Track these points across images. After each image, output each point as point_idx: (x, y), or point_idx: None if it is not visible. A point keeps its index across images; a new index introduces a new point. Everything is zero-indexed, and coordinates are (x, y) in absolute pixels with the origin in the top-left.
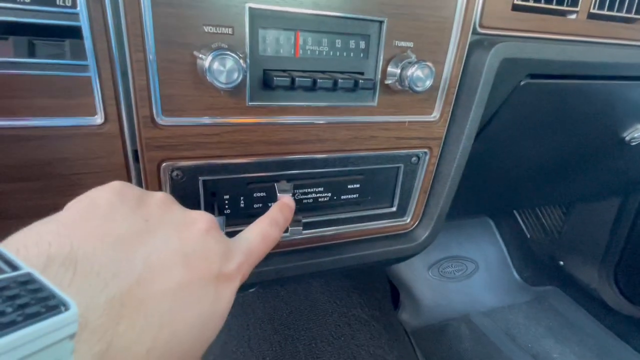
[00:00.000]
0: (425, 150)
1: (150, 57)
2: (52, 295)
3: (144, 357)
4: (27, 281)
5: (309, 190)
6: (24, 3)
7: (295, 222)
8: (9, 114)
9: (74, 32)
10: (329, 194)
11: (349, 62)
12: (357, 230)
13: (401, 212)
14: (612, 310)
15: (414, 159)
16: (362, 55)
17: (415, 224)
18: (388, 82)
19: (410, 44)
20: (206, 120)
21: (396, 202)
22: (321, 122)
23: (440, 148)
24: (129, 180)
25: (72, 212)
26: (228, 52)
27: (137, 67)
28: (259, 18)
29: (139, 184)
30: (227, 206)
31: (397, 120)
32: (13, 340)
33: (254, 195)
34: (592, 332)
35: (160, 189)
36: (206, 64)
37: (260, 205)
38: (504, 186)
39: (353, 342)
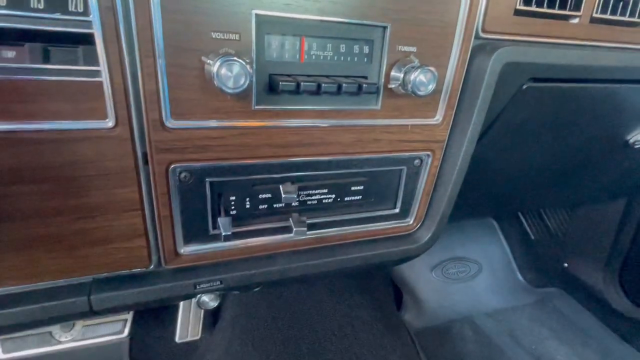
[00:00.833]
0: (428, 153)
1: (160, 62)
2: None
3: None
4: None
5: (313, 192)
6: (39, 11)
7: (299, 223)
8: (24, 118)
9: (87, 39)
10: (333, 196)
11: (353, 67)
12: (360, 232)
13: (404, 213)
14: (617, 312)
15: (416, 161)
16: (366, 59)
17: (418, 226)
18: (391, 86)
19: (414, 49)
20: (213, 123)
21: (399, 204)
22: (325, 125)
23: (443, 151)
24: (138, 182)
25: None
26: (235, 58)
27: (147, 72)
28: (265, 24)
29: (148, 186)
30: (233, 207)
31: (400, 123)
32: None
33: (259, 196)
34: (596, 335)
35: (168, 190)
36: (214, 69)
37: (266, 206)
38: (507, 188)
39: (356, 342)
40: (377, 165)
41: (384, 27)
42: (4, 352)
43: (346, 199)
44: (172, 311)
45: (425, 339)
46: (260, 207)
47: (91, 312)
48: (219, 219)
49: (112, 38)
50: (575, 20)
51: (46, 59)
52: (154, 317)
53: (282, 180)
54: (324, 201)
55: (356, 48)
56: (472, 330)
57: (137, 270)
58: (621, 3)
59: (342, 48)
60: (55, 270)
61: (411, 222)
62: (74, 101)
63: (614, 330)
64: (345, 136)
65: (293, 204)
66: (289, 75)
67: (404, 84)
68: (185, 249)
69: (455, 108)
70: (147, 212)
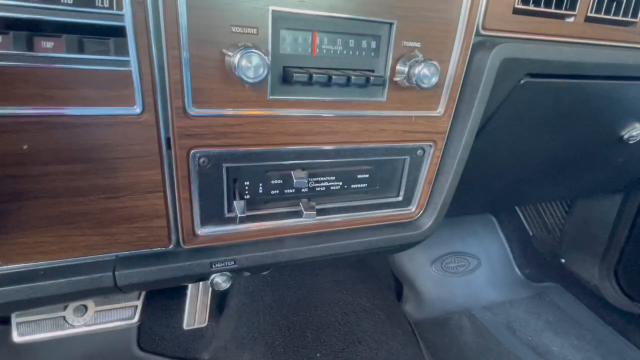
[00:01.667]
0: (430, 143)
1: (184, 54)
2: None
3: None
4: None
5: (322, 179)
6: (75, 5)
7: (309, 208)
8: (59, 104)
9: (119, 32)
10: (340, 183)
11: (361, 61)
12: (365, 218)
13: (407, 201)
14: (612, 306)
15: (419, 151)
16: (373, 54)
17: (420, 213)
18: (397, 79)
19: (418, 44)
20: (231, 111)
21: (402, 192)
22: (334, 115)
23: (445, 142)
24: (161, 165)
25: None
26: (254, 50)
27: (172, 63)
28: (280, 20)
29: (170, 170)
30: (247, 192)
31: (404, 114)
32: None
33: (272, 182)
34: (591, 327)
35: (189, 174)
36: (235, 60)
37: (277, 191)
38: (505, 182)
39: (358, 329)
40: (382, 154)
41: (391, 24)
42: (19, 335)
43: (352, 186)
44: (179, 299)
45: (424, 330)
46: (272, 192)
47: (116, 288)
48: (234, 201)
49: (142, 31)
50: (571, 19)
51: (81, 49)
52: (162, 305)
53: (294, 167)
54: (331, 188)
55: (364, 43)
56: (470, 322)
57: (158, 249)
58: (614, 3)
59: (351, 43)
60: (83, 246)
61: (413, 209)
62: (105, 89)
63: (608, 323)
64: (353, 126)
65: (303, 190)
66: (301, 68)
67: (408, 77)
68: (202, 230)
69: (456, 101)
70: (168, 194)
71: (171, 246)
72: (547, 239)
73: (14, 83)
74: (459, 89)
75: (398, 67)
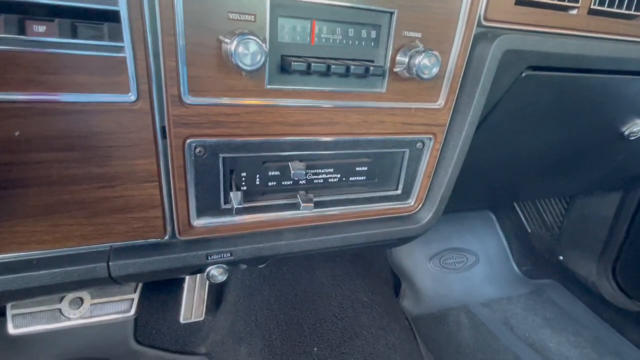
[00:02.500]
0: (430, 136)
1: (180, 40)
2: None
3: None
4: None
5: (320, 170)
6: None
7: (307, 200)
8: (52, 89)
9: (113, 16)
10: (338, 175)
11: (361, 50)
12: (363, 211)
13: (405, 194)
14: (609, 303)
15: (419, 144)
16: (373, 44)
17: (419, 207)
18: (397, 69)
19: (419, 34)
20: (228, 100)
21: (401, 185)
22: (333, 105)
23: (444, 134)
24: (157, 154)
25: None
26: (251, 37)
27: (167, 50)
28: (278, 7)
29: (165, 159)
30: (244, 183)
31: (404, 106)
32: None
33: (269, 173)
34: (588, 324)
35: (184, 164)
36: (232, 47)
37: (274, 183)
38: (504, 178)
39: (356, 323)
40: (381, 146)
41: (391, 13)
42: (15, 327)
43: (351, 178)
44: (176, 293)
45: (421, 325)
46: (269, 183)
47: (110, 279)
48: (231, 192)
49: (137, 16)
50: (574, 11)
51: (74, 34)
52: (158, 299)
53: (291, 158)
54: (329, 180)
55: (364, 32)
56: (468, 317)
57: (153, 240)
58: None
59: (351, 32)
60: (78, 236)
61: (412, 203)
62: (99, 75)
63: (606, 320)
64: (352, 117)
65: (300, 181)
66: (300, 57)
67: (408, 67)
68: (198, 222)
69: (457, 93)
70: (163, 183)
71: (166, 237)
72: (546, 236)
73: (5, 67)
74: (460, 81)
75: (398, 58)
